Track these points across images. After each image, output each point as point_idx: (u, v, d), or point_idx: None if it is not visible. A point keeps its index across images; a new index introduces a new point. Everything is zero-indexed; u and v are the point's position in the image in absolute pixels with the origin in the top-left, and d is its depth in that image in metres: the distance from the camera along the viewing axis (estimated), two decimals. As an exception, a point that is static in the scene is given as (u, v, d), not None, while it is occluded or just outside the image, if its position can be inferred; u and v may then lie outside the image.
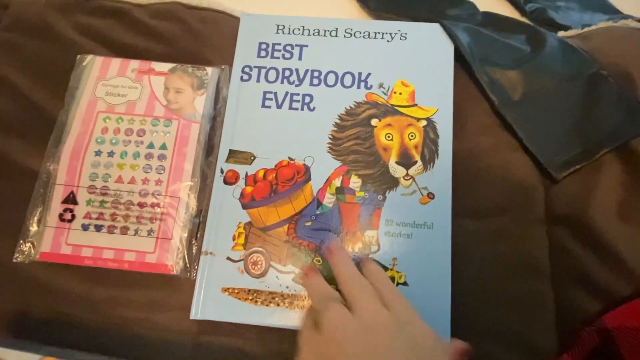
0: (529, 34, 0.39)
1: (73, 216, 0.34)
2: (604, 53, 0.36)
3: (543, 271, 0.32)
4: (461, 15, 0.44)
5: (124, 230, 0.33)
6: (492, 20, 0.43)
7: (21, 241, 0.33)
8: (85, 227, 0.33)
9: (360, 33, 0.38)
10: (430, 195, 0.33)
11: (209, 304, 0.32)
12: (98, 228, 0.34)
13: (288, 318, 0.31)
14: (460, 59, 0.37)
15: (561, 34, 0.40)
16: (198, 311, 0.31)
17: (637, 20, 0.40)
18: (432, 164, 0.34)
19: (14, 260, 0.33)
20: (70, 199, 0.34)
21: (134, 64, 0.38)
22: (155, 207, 0.34)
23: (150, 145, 0.35)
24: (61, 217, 0.34)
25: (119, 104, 0.36)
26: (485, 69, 0.36)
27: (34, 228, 0.33)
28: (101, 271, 0.33)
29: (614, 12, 0.46)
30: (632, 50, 0.37)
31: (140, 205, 0.34)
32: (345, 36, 0.38)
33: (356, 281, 0.27)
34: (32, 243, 0.33)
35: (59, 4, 0.41)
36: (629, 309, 0.30)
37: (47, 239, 0.33)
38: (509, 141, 0.35)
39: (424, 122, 0.35)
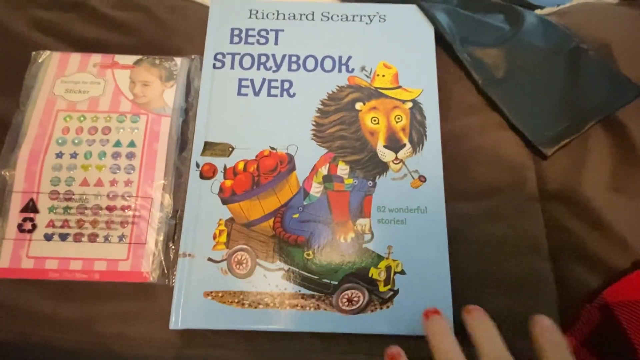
0: (507, 13, 0.39)
1: (34, 226, 0.30)
2: (582, 28, 0.36)
3: (541, 249, 0.31)
4: (436, -1, 0.43)
5: (93, 238, 0.30)
6: (468, 1, 0.42)
7: (-26, 257, 0.30)
8: (48, 237, 0.30)
9: (337, 16, 0.36)
10: (422, 179, 0.32)
11: (190, 311, 0.29)
12: (63, 237, 0.30)
13: (279, 320, 0.29)
14: (440, 40, 0.36)
15: (538, 11, 0.40)
16: (178, 320, 0.29)
17: (610, -5, 0.41)
18: (421, 146, 0.33)
19: (-33, 279, 0.29)
20: (30, 207, 0.31)
21: (96, 58, 0.35)
22: (126, 210, 0.31)
23: (117, 144, 0.32)
24: (20, 228, 0.30)
25: (81, 101, 0.33)
26: (467, 49, 0.36)
27: (-12, 242, 0.30)
28: (68, 284, 0.30)
29: (584, -8, 0.47)
30: (609, 24, 0.37)
31: (110, 208, 0.31)
32: (322, 19, 0.36)
33: None
34: (-12, 259, 0.30)
35: (9, -2, 0.37)
36: (627, 283, 0.29)
37: (5, 253, 0.30)
38: (497, 120, 0.34)
39: (410, 104, 0.34)
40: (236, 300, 0.29)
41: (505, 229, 0.31)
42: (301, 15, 0.36)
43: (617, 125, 0.33)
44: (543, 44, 0.35)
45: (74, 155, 0.32)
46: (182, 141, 0.33)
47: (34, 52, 0.35)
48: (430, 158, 0.32)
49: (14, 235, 0.30)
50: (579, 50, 0.35)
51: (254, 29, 0.36)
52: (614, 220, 0.30)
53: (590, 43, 0.35)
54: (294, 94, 0.34)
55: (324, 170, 0.32)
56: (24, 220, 0.30)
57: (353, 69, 0.35)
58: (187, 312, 0.29)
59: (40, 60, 0.35)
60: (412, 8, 0.37)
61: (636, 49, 0.35)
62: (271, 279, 0.30)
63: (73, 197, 0.31)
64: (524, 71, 0.35)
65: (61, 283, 0.30)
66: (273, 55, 0.35)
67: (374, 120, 0.33)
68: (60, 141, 0.32)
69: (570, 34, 0.35)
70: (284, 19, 0.36)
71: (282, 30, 0.36)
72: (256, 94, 0.34)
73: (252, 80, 0.34)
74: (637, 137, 0.32)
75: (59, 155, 0.32)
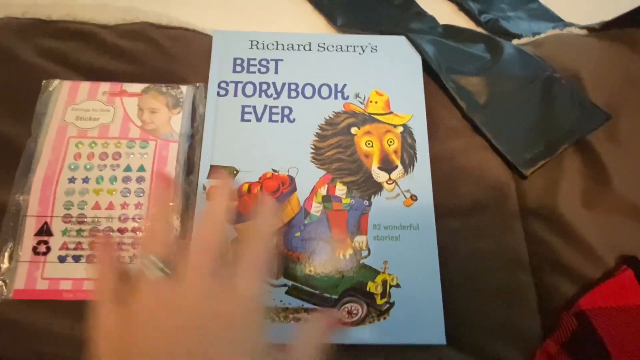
0: (487, 43, 0.42)
1: (48, 248, 0.32)
2: (555, 58, 0.40)
3: (522, 261, 0.34)
4: (423, 28, 0.46)
5: None
6: (451, 31, 0.46)
7: (-9, 280, 0.31)
8: (62, 259, 0.32)
9: (332, 47, 0.39)
10: (414, 197, 0.34)
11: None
12: (76, 259, 0.32)
13: (284, 333, 0.31)
14: (427, 68, 0.39)
15: (515, 41, 0.44)
16: (191, 335, 0.30)
17: (580, 27, 0.44)
18: (412, 167, 0.35)
19: (-16, 301, 0.30)
20: (45, 231, 0.32)
21: (105, 86, 0.37)
22: (137, 232, 0.33)
23: (127, 168, 0.34)
24: (35, 251, 0.32)
25: (91, 128, 0.35)
26: (452, 77, 0.39)
27: (5, 265, 0.31)
28: (83, 304, 0.31)
29: (557, 20, 0.51)
30: (579, 54, 0.41)
31: (121, 230, 0.33)
32: (318, 50, 0.39)
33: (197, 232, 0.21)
34: (4, 281, 0.31)
35: (17, 27, 0.39)
36: (600, 291, 0.32)
37: (20, 275, 0.31)
38: (480, 142, 0.37)
39: (401, 128, 0.36)
40: (243, 315, 0.31)
41: (489, 243, 0.34)
42: (299, 45, 0.39)
43: (587, 148, 0.36)
44: (520, 73, 0.39)
45: (85, 180, 0.33)
46: (189, 165, 0.35)
47: (44, 81, 0.37)
48: (420, 178, 0.35)
49: (28, 257, 0.31)
50: (552, 78, 0.38)
51: (255, 59, 0.38)
52: (586, 234, 0.33)
53: (562, 72, 0.39)
54: (294, 120, 0.37)
55: (323, 191, 0.35)
56: (39, 243, 0.32)
57: (348, 96, 0.37)
58: (197, 328, 0.31)
59: (50, 89, 0.36)
60: (401, 39, 0.40)
61: (603, 78, 0.38)
62: (276, 295, 0.32)
63: (85, 220, 0.33)
64: (503, 98, 0.38)
65: (76, 303, 0.31)
66: (274, 84, 0.38)
67: (369, 144, 0.36)
68: (72, 166, 0.34)
69: (544, 64, 0.39)
70: (283, 49, 0.39)
71: (282, 60, 0.38)
72: (258, 119, 0.36)
73: (254, 107, 0.37)
74: (605, 159, 0.35)
75: (72, 180, 0.33)
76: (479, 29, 0.49)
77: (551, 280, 0.33)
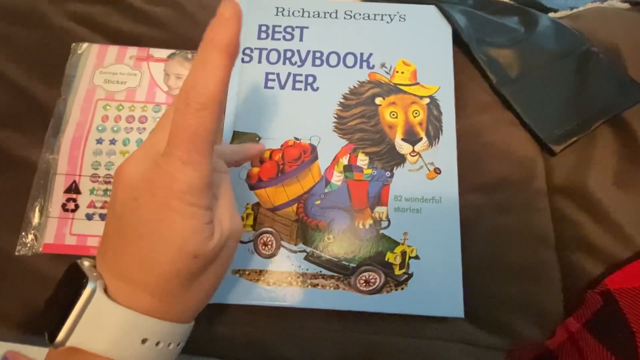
0: (521, 15, 0.40)
1: (76, 206, 0.33)
2: (593, 32, 0.38)
3: (547, 239, 0.33)
4: (452, 0, 0.45)
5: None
6: (483, 3, 0.44)
7: (23, 233, 0.32)
8: (89, 217, 0.33)
9: (359, 15, 0.38)
10: (437, 171, 0.34)
11: (220, 287, 0.31)
12: (103, 217, 0.33)
13: (301, 297, 0.31)
14: (457, 40, 0.38)
15: (551, 15, 0.42)
16: (210, 295, 0.31)
17: (622, 1, 0.42)
18: (437, 140, 0.35)
19: (17, 254, 0.32)
20: (73, 189, 0.33)
21: (132, 50, 0.37)
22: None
23: (153, 132, 0.35)
24: (64, 207, 0.33)
25: (119, 91, 0.36)
26: (482, 49, 0.37)
27: (35, 219, 0.32)
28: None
29: (596, -5, 0.48)
30: (619, 29, 0.39)
31: (146, 191, 0.33)
32: (345, 18, 0.38)
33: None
34: (35, 235, 0.32)
35: (47, -9, 0.39)
36: (628, 271, 0.31)
37: (50, 230, 0.32)
38: (509, 118, 0.36)
39: (427, 100, 0.36)
40: (262, 279, 0.32)
41: (514, 220, 0.33)
42: (325, 13, 0.38)
43: (623, 126, 0.35)
44: (555, 46, 0.37)
45: (112, 142, 0.34)
46: (212, 131, 0.36)
47: (73, 44, 0.37)
48: (445, 152, 0.34)
49: (58, 214, 0.33)
50: (590, 53, 0.36)
51: (280, 26, 0.38)
52: (616, 213, 0.32)
53: (600, 47, 0.37)
54: (318, 88, 0.36)
55: (344, 161, 0.34)
56: (67, 200, 0.33)
57: (374, 66, 0.37)
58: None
59: (79, 52, 0.37)
60: (431, 8, 0.39)
61: (644, 53, 0.37)
62: (294, 260, 0.32)
63: (112, 180, 0.33)
64: (536, 72, 0.36)
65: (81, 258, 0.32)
66: (298, 51, 0.37)
67: (393, 115, 0.35)
68: (100, 128, 0.34)
69: (582, 38, 0.37)
70: (308, 16, 0.38)
71: (307, 28, 0.38)
72: (282, 87, 0.36)
73: (278, 75, 0.36)
74: (641, 137, 0.34)
75: (99, 141, 0.34)
76: (512, 2, 0.47)
77: (576, 259, 0.32)
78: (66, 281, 0.22)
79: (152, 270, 0.20)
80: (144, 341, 0.21)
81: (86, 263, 0.22)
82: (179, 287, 0.21)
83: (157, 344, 0.21)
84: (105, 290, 0.21)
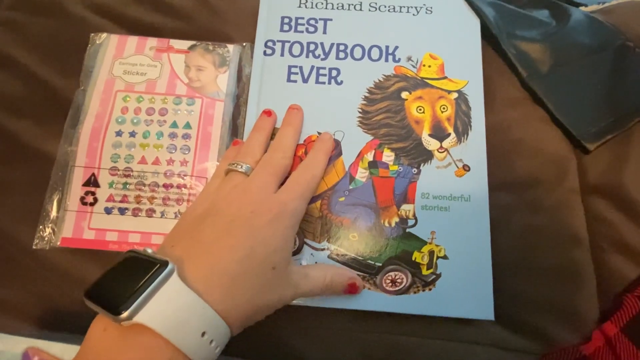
0: (552, 8, 0.39)
1: (95, 199, 0.32)
2: (628, 26, 0.37)
3: (581, 240, 0.32)
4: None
5: (150, 213, 0.32)
6: (511, -4, 0.43)
7: (41, 227, 0.31)
8: (108, 211, 0.32)
9: (385, 7, 0.37)
10: (466, 168, 0.33)
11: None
12: (122, 211, 0.32)
13: (326, 297, 0.30)
14: (485, 34, 0.37)
15: (582, 9, 0.40)
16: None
17: (655, -7, 0.40)
18: (465, 136, 0.33)
19: (34, 247, 0.31)
20: (92, 182, 0.32)
21: (152, 41, 0.36)
22: (182, 188, 0.32)
23: (174, 125, 0.34)
24: (82, 201, 0.32)
25: (139, 82, 0.35)
26: (513, 42, 0.36)
27: (53, 213, 0.32)
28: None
29: (626, -11, 0.47)
30: (654, 22, 0.37)
31: (166, 186, 0.33)
32: (370, 10, 0.37)
33: (270, 153, 0.30)
34: (53, 228, 0.31)
35: (66, -19, 0.39)
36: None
37: (68, 223, 0.32)
38: (540, 114, 0.35)
39: (455, 95, 0.34)
40: (284, 277, 0.31)
41: (546, 219, 0.32)
42: (349, 5, 0.37)
43: (661, 123, 0.33)
44: (589, 41, 0.36)
45: (132, 134, 0.33)
46: (233, 126, 0.35)
47: (92, 34, 0.37)
48: (474, 148, 0.33)
49: (76, 207, 0.32)
50: (625, 47, 0.35)
51: (303, 18, 0.37)
52: (655, 215, 0.31)
53: (636, 41, 0.35)
54: (342, 82, 0.35)
55: (369, 157, 0.33)
56: (86, 193, 0.32)
57: (399, 59, 0.36)
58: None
59: (98, 42, 0.36)
60: (459, 1, 0.37)
61: (683, 47, 0.35)
62: (318, 258, 0.31)
63: (132, 174, 0.33)
64: (569, 66, 0.35)
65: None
66: (322, 44, 0.36)
67: (420, 110, 0.34)
68: (119, 120, 0.34)
69: (616, 31, 0.36)
70: (332, 8, 0.37)
71: (331, 20, 0.37)
72: (305, 81, 0.35)
73: (301, 68, 0.35)
74: (681, 135, 0.32)
75: (119, 133, 0.33)
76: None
77: (612, 261, 0.31)
78: (129, 261, 0.23)
79: (242, 262, 0.24)
80: (203, 334, 0.21)
81: (149, 250, 0.23)
82: (249, 289, 0.24)
83: (211, 342, 0.22)
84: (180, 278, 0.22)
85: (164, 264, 0.21)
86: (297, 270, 0.27)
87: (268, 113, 0.33)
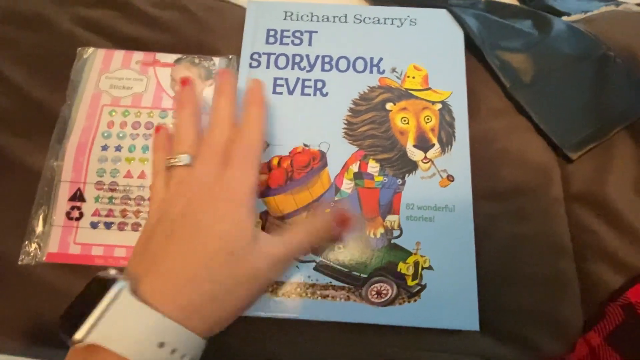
0: (534, 19, 0.39)
1: (81, 214, 0.32)
2: (609, 36, 0.37)
3: (565, 249, 0.32)
4: (463, 4, 0.44)
5: (135, 227, 0.32)
6: (494, 7, 0.43)
7: (26, 242, 0.31)
8: (94, 225, 0.32)
9: (369, 19, 0.37)
10: (450, 178, 0.33)
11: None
12: (108, 225, 0.32)
13: (311, 309, 0.30)
14: (469, 44, 0.37)
15: (565, 18, 0.41)
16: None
17: (637, 4, 0.41)
18: (449, 147, 0.34)
19: (20, 263, 0.31)
20: (78, 196, 0.32)
21: (138, 55, 0.36)
22: (168, 201, 0.32)
23: (160, 138, 0.34)
24: (68, 216, 0.32)
25: (125, 96, 0.35)
26: (496, 53, 0.36)
27: (39, 228, 0.32)
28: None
29: (609, -1, 0.47)
30: (635, 32, 0.38)
31: (152, 199, 0.33)
32: (354, 22, 0.37)
33: (208, 133, 0.28)
34: (38, 244, 0.31)
35: (54, -5, 0.39)
36: (650, 283, 0.30)
37: (54, 238, 0.32)
38: (523, 123, 0.35)
39: (439, 105, 0.35)
40: (270, 290, 0.31)
41: (530, 228, 0.32)
42: (334, 17, 0.38)
43: (642, 131, 0.34)
44: (571, 50, 0.36)
45: (118, 148, 0.33)
46: (220, 137, 0.35)
47: (79, 49, 0.37)
48: (458, 158, 0.33)
49: (62, 222, 0.32)
50: (606, 57, 0.35)
51: (288, 30, 0.37)
52: (637, 222, 0.31)
53: (617, 50, 0.36)
54: (327, 93, 0.35)
55: (354, 168, 0.33)
56: (72, 208, 0.32)
57: (384, 70, 0.36)
58: (224, 299, 0.30)
59: (85, 56, 0.36)
60: (442, 12, 0.38)
61: (663, 57, 0.36)
62: (304, 270, 0.31)
63: (117, 188, 0.33)
64: (551, 76, 0.35)
65: (107, 269, 0.31)
66: (307, 56, 0.36)
67: (404, 120, 0.34)
68: (105, 134, 0.34)
69: (598, 42, 0.36)
70: (317, 20, 0.38)
71: (316, 32, 0.37)
72: (290, 92, 0.35)
73: (286, 80, 0.36)
74: (662, 143, 0.33)
75: (104, 148, 0.33)
76: (524, 6, 0.47)
77: (596, 270, 0.31)
78: (93, 284, 0.23)
79: (192, 263, 0.24)
80: (161, 345, 0.21)
81: (112, 271, 0.24)
82: (208, 287, 0.23)
83: (173, 351, 0.22)
84: (136, 294, 0.22)
85: (113, 281, 0.22)
86: (268, 239, 0.26)
87: (184, 82, 0.31)
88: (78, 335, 0.20)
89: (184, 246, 0.24)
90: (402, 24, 0.37)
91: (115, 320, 0.21)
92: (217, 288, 0.24)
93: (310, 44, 0.37)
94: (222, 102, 0.29)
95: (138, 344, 0.21)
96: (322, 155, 0.34)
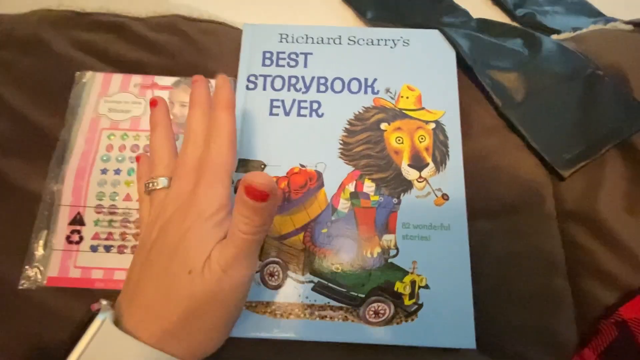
0: (524, 37, 0.40)
1: (81, 238, 0.32)
2: (598, 54, 0.38)
3: (558, 266, 0.32)
4: (455, 22, 0.45)
5: (135, 250, 0.32)
6: (486, 26, 0.44)
7: (27, 266, 0.32)
8: (94, 249, 0.32)
9: (363, 40, 0.38)
10: (445, 197, 0.33)
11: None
12: (107, 248, 0.32)
13: (310, 330, 0.31)
14: (461, 64, 0.38)
15: (554, 37, 0.42)
16: (217, 328, 0.30)
17: (624, 22, 0.42)
18: (444, 166, 0.34)
19: (20, 287, 0.31)
20: (77, 220, 0.33)
21: (136, 78, 0.37)
22: (167, 223, 0.33)
23: (158, 160, 0.34)
24: (68, 240, 0.32)
25: (123, 120, 0.35)
26: (487, 72, 0.37)
27: (39, 252, 0.32)
28: (114, 294, 0.32)
29: (598, 15, 0.48)
30: (624, 51, 0.39)
31: (151, 222, 0.33)
32: (349, 43, 0.38)
33: (180, 154, 0.28)
34: (39, 268, 0.32)
35: (52, 19, 0.40)
36: (642, 300, 0.30)
37: (54, 262, 0.32)
38: (515, 141, 0.36)
39: (433, 125, 0.35)
40: (268, 310, 0.31)
41: (524, 246, 0.33)
42: (329, 39, 0.38)
43: (632, 150, 0.34)
44: (560, 69, 0.37)
45: (117, 172, 0.34)
46: (217, 158, 0.35)
47: (77, 72, 0.37)
48: (452, 177, 0.34)
49: (62, 246, 0.32)
50: (595, 76, 0.36)
51: (284, 52, 0.38)
52: (628, 240, 0.32)
53: (606, 69, 0.37)
54: (323, 114, 0.36)
55: (351, 187, 0.34)
56: (72, 232, 0.32)
57: (378, 91, 0.37)
58: (223, 321, 0.31)
59: (84, 80, 0.37)
60: (435, 33, 0.39)
61: (650, 76, 0.36)
62: (301, 291, 0.32)
63: (117, 211, 0.33)
64: (542, 95, 0.36)
65: (107, 292, 0.32)
66: (303, 77, 0.37)
67: (399, 140, 0.35)
68: (104, 158, 0.34)
69: (587, 60, 0.37)
70: (312, 42, 0.38)
71: (311, 54, 0.38)
72: (287, 114, 0.36)
73: (282, 101, 0.36)
74: (651, 161, 0.33)
75: (104, 171, 0.34)
76: (514, 24, 0.48)
77: (589, 287, 0.32)
78: (85, 316, 0.24)
79: (160, 286, 0.24)
80: None
81: (104, 302, 0.24)
82: (176, 308, 0.23)
83: None
84: (120, 324, 0.23)
85: (96, 313, 0.23)
86: (219, 248, 0.24)
87: (153, 102, 0.30)
88: None
89: (155, 271, 0.24)
90: (395, 45, 0.38)
91: (98, 351, 0.22)
92: (183, 310, 0.23)
93: (305, 66, 0.38)
94: (195, 114, 0.28)
95: None
96: (319, 175, 0.34)
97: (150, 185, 0.28)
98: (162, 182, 0.27)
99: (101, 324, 0.23)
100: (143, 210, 0.29)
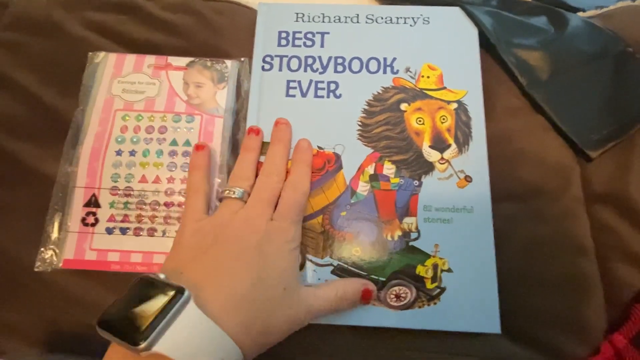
0: (549, 15, 0.39)
1: (96, 220, 0.32)
2: (628, 32, 0.36)
3: (587, 250, 0.31)
4: (476, 1, 0.43)
5: (151, 232, 0.32)
6: (509, 3, 0.42)
7: (42, 249, 0.31)
8: (109, 231, 0.32)
9: (382, 18, 0.37)
10: (468, 179, 0.32)
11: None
12: (123, 231, 0.32)
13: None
14: (483, 43, 0.36)
15: (580, 14, 0.40)
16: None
17: (654, -3, 0.40)
18: (466, 147, 0.33)
19: (35, 269, 0.31)
20: (93, 202, 0.32)
21: (150, 59, 0.36)
22: (183, 206, 0.32)
23: (174, 142, 0.34)
24: (84, 222, 0.32)
25: (137, 100, 0.35)
26: (512, 51, 0.36)
27: (54, 234, 0.32)
28: (129, 276, 0.31)
29: (623, -7, 0.47)
30: (654, 27, 0.37)
31: (167, 205, 0.32)
32: (367, 22, 0.37)
33: (264, 178, 0.30)
34: (54, 250, 0.31)
35: (64, 0, 0.39)
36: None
37: (69, 245, 0.31)
38: (541, 122, 0.35)
39: (455, 105, 0.34)
40: (287, 294, 0.30)
41: (550, 229, 0.32)
42: (346, 17, 0.37)
43: (664, 128, 0.33)
44: (588, 47, 0.35)
45: (132, 153, 0.33)
46: (233, 142, 0.35)
47: (90, 53, 0.37)
48: (476, 159, 0.33)
49: (77, 228, 0.32)
50: (626, 53, 0.35)
51: (300, 32, 0.37)
52: (661, 222, 0.31)
53: (636, 46, 0.35)
54: (340, 95, 0.35)
55: (370, 170, 0.33)
56: (87, 214, 0.32)
57: (398, 71, 0.36)
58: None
59: (97, 61, 0.36)
60: (456, 10, 0.37)
61: (684, 52, 0.35)
62: (321, 274, 0.31)
63: (132, 193, 0.33)
64: (569, 74, 0.35)
65: (122, 275, 0.31)
66: (319, 57, 0.36)
67: (419, 121, 0.34)
68: (119, 139, 0.34)
69: (616, 38, 0.36)
70: (329, 21, 0.37)
71: (328, 33, 0.37)
72: (303, 95, 0.35)
73: (299, 82, 0.35)
74: (684, 140, 0.32)
75: (119, 152, 0.33)
76: (537, 2, 0.46)
77: (619, 270, 0.31)
78: (146, 289, 0.22)
79: (255, 286, 0.25)
80: None
81: (161, 275, 0.23)
82: (263, 312, 0.24)
83: None
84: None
85: (180, 290, 0.22)
86: (307, 289, 0.28)
87: (256, 131, 0.33)
88: (143, 343, 0.20)
89: (250, 269, 0.25)
90: (415, 23, 0.37)
91: (183, 331, 0.21)
92: (268, 314, 0.25)
93: (322, 46, 0.36)
94: (279, 150, 0.32)
95: (202, 358, 0.21)
96: (337, 157, 0.33)
97: (229, 192, 0.29)
98: (238, 193, 0.29)
99: (184, 302, 0.21)
100: (199, 202, 0.30)
